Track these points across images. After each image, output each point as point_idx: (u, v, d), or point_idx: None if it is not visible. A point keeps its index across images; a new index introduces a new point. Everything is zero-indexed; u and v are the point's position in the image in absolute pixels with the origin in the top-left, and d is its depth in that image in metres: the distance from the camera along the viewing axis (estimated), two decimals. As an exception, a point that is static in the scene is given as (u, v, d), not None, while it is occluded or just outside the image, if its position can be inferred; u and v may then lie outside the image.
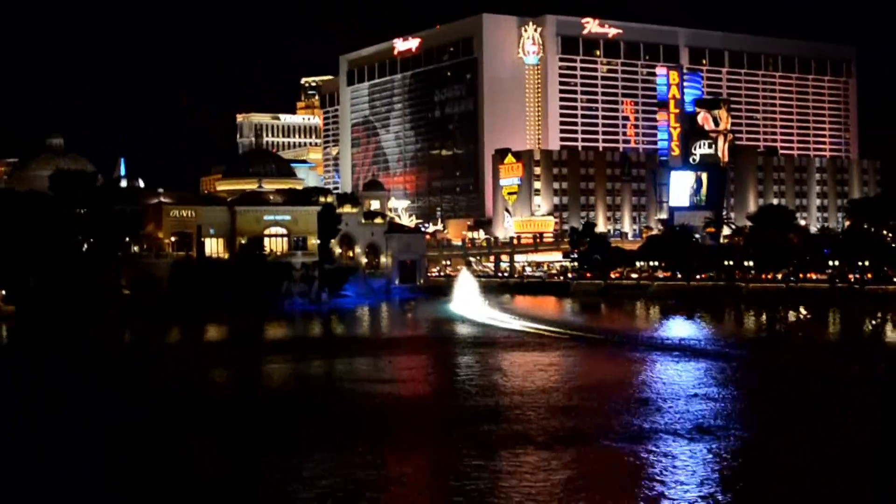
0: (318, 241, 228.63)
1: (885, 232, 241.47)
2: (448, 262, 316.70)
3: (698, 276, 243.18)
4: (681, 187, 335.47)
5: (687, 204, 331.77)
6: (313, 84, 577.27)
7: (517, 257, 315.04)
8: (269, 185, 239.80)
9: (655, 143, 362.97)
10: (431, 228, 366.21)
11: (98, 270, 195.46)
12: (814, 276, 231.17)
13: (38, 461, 68.09)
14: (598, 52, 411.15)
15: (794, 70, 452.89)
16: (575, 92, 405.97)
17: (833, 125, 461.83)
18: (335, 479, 61.38)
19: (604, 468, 64.14)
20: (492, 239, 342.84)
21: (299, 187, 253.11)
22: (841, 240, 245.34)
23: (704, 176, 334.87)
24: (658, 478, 60.89)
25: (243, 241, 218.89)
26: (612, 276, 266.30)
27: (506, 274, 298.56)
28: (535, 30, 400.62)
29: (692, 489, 58.51)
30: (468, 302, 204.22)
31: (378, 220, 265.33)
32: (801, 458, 67.21)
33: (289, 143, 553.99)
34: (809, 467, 64.84)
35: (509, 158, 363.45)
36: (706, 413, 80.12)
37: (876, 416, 79.09)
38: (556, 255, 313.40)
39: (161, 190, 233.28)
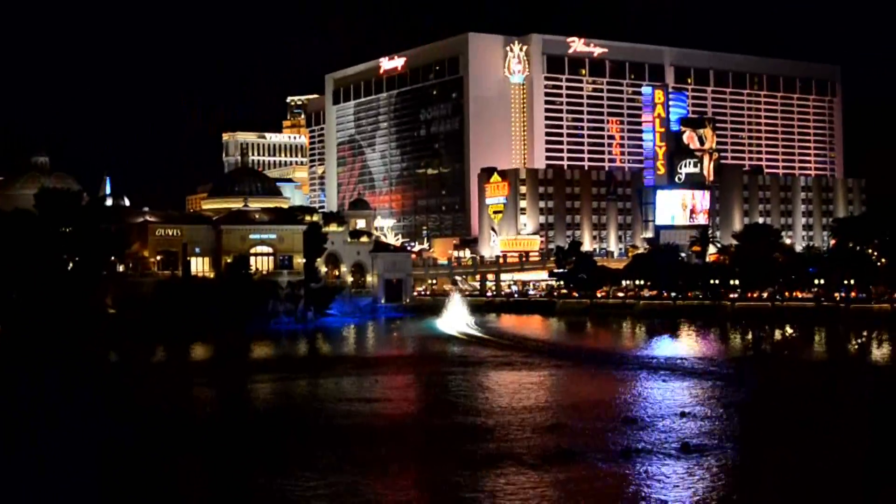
0: (304, 260, 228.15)
1: (870, 251, 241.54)
2: (434, 282, 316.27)
3: (684, 295, 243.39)
4: (667, 206, 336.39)
5: (672, 222, 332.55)
6: (299, 103, 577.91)
7: (503, 276, 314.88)
8: (255, 204, 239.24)
9: (641, 161, 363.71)
10: (417, 247, 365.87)
11: (83, 289, 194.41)
12: (799, 295, 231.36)
13: (27, 478, 67.65)
14: (583, 71, 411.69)
15: (779, 89, 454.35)
16: (560, 111, 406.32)
17: (818, 144, 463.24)
18: (321, 499, 61.11)
19: (591, 487, 63.93)
20: (478, 258, 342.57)
21: (285, 206, 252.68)
22: (826, 258, 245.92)
23: (690, 195, 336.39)
24: (645, 496, 60.78)
25: (229, 260, 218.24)
26: (598, 294, 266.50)
27: (492, 293, 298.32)
28: (521, 49, 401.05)
29: (680, 508, 58.50)
30: (454, 321, 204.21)
31: (364, 239, 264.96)
32: (789, 474, 67.20)
33: (275, 161, 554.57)
34: (797, 484, 64.81)
35: (495, 177, 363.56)
36: (693, 431, 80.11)
37: (863, 434, 79.18)
38: (542, 274, 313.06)
39: (146, 209, 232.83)
